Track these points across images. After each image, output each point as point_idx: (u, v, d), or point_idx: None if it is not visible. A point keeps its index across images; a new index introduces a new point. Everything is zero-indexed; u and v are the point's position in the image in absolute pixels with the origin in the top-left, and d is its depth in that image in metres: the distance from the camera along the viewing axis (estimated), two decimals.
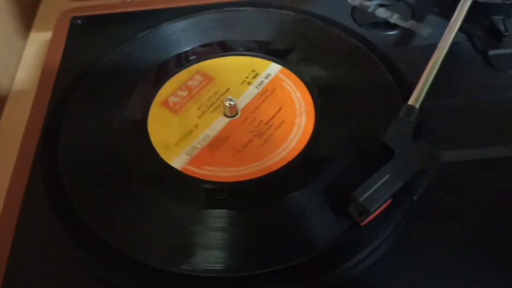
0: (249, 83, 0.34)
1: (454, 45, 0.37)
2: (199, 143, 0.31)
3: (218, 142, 0.31)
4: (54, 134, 0.32)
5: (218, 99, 0.34)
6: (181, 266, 0.25)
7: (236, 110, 0.32)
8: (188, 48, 0.37)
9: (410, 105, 0.29)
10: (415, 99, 0.30)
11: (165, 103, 0.34)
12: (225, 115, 0.32)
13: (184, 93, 0.34)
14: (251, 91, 0.34)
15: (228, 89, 0.34)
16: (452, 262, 0.26)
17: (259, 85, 0.34)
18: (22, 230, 0.28)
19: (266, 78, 0.35)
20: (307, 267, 0.25)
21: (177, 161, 0.30)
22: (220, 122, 0.32)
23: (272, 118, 0.32)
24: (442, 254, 0.27)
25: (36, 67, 0.46)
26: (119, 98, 0.34)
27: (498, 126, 0.32)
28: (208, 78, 0.35)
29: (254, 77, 0.35)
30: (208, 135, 0.32)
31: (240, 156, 0.30)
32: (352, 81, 0.34)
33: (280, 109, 0.33)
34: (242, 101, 0.33)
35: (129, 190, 0.29)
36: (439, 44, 0.33)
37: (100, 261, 0.26)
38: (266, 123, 0.32)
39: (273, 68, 0.35)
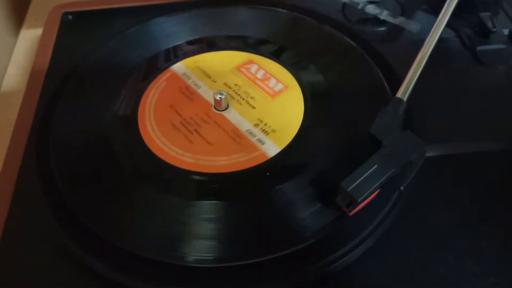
0: (256, 125, 0.32)
1: (442, 41, 0.37)
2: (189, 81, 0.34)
3: (186, 95, 0.33)
4: (45, 127, 0.32)
5: (239, 92, 0.34)
6: (171, 256, 0.25)
7: (221, 106, 0.32)
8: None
9: (398, 98, 0.29)
10: (403, 92, 0.30)
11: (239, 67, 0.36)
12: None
13: (258, 76, 0.35)
14: (244, 125, 0.32)
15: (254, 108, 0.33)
16: (440, 253, 0.27)
17: (252, 135, 0.31)
18: (13, 226, 0.28)
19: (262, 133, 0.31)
20: (295, 258, 0.26)
21: None
22: (206, 95, 0.34)
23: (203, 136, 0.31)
24: (430, 246, 0.27)
25: (27, 63, 0.46)
26: (110, 93, 0.34)
27: (485, 120, 0.33)
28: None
29: (262, 130, 0.31)
30: (197, 84, 0.34)
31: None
32: (342, 76, 0.34)
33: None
34: (233, 115, 0.33)
35: (120, 183, 0.29)
36: (427, 39, 0.33)
37: (91, 252, 0.26)
38: (196, 127, 0.32)
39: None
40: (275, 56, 0.36)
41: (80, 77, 0.35)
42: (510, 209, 0.28)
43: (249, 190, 0.28)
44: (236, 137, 0.31)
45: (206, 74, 0.35)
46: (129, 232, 0.27)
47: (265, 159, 0.30)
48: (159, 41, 0.37)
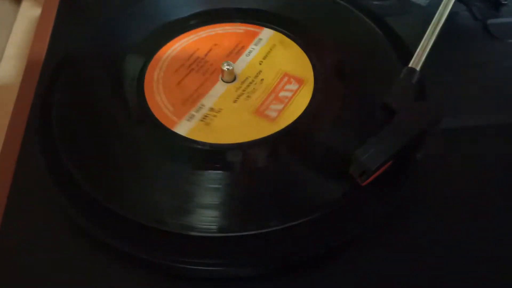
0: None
1: (453, 15, 0.37)
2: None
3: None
4: (47, 103, 0.31)
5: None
6: (174, 225, 0.25)
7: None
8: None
9: (411, 68, 0.29)
10: (416, 62, 0.29)
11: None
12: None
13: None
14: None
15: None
16: (453, 223, 0.26)
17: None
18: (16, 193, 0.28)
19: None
20: (307, 228, 0.25)
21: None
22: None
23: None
24: (443, 216, 0.27)
25: (26, 44, 0.45)
26: (112, 66, 0.33)
27: (497, 93, 0.32)
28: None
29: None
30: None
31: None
32: (352, 48, 0.33)
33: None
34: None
35: (123, 149, 0.29)
36: (439, 8, 0.32)
37: (95, 221, 0.25)
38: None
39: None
40: (283, 28, 0.35)
41: (82, 52, 0.34)
42: None
43: (258, 161, 0.28)
44: (193, 97, 0.31)
45: (266, 54, 0.34)
46: (133, 201, 0.26)
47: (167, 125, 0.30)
48: (165, 14, 0.36)
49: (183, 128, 0.29)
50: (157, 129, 0.29)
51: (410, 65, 0.29)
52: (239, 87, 0.32)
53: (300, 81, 0.32)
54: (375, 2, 0.38)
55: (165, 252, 0.24)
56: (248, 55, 0.34)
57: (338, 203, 0.26)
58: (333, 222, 0.25)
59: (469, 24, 0.36)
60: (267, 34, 0.35)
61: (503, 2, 0.36)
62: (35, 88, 0.34)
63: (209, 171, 0.27)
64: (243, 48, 0.34)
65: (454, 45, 0.35)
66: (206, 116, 0.30)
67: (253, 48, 0.34)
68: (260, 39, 0.35)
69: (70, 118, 0.30)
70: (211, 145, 0.28)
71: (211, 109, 0.30)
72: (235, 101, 0.31)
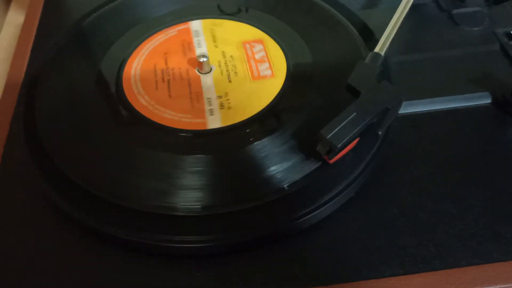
0: (219, 97, 0.32)
1: (420, 6, 0.38)
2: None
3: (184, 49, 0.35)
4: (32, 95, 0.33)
5: (228, 64, 0.34)
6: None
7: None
8: None
9: (375, 52, 0.30)
10: (380, 47, 0.31)
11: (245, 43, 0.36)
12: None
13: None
14: (209, 93, 0.33)
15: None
16: (419, 200, 0.28)
17: (209, 104, 0.32)
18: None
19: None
20: (279, 206, 0.26)
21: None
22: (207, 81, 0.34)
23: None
24: (409, 194, 0.28)
25: (13, 49, 0.46)
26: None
27: (460, 79, 0.33)
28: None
29: (221, 103, 0.32)
30: (200, 44, 0.36)
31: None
32: (322, 39, 0.35)
33: None
34: (207, 80, 0.33)
35: (103, 134, 0.30)
36: None
37: (80, 206, 0.26)
38: (170, 78, 0.33)
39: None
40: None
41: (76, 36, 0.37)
42: (484, 157, 0.29)
43: (231, 145, 0.29)
44: (194, 99, 0.32)
45: (213, 38, 0.36)
46: (117, 184, 0.27)
47: (202, 128, 0.30)
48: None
49: (215, 122, 0.30)
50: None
51: (375, 50, 0.31)
52: (221, 70, 0.34)
53: (260, 41, 0.35)
54: None
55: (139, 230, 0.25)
56: (200, 46, 0.36)
57: (307, 181, 0.27)
58: (306, 199, 0.26)
59: (435, 14, 0.38)
60: (197, 24, 0.37)
61: None
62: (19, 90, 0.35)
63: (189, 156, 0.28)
64: (190, 43, 0.36)
65: (421, 33, 0.37)
66: (222, 104, 0.31)
67: (198, 39, 0.36)
68: (196, 31, 0.37)
69: (54, 111, 0.32)
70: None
71: (219, 97, 0.32)
72: (230, 81, 0.33)
